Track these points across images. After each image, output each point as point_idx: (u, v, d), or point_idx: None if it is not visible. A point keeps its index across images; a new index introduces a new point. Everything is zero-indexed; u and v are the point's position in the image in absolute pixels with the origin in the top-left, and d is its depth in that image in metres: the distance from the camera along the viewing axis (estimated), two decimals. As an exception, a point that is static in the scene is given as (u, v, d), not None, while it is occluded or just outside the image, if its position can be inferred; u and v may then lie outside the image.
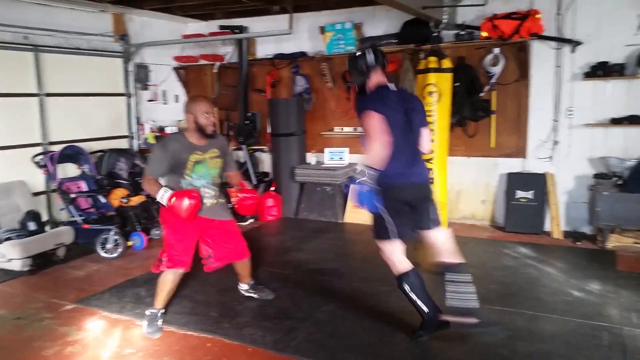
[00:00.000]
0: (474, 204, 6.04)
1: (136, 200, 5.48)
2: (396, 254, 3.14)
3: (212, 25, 7.11)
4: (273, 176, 6.76)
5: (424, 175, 3.21)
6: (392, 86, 3.13)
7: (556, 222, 5.43)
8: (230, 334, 3.36)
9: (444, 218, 5.39)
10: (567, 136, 5.42)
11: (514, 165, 5.75)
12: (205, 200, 3.44)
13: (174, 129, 7.03)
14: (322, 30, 6.41)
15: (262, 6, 6.18)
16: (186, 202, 3.18)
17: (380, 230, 3.13)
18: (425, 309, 3.09)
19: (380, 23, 6.20)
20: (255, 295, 3.91)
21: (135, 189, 5.56)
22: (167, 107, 7.33)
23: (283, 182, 6.54)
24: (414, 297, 3.09)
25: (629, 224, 4.98)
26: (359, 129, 6.48)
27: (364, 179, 2.86)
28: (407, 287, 3.09)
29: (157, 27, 6.94)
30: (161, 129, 6.95)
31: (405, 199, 3.10)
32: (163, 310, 3.53)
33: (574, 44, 5.25)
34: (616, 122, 5.15)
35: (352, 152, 6.56)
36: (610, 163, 5.18)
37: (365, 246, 5.39)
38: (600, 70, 5.12)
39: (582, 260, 4.73)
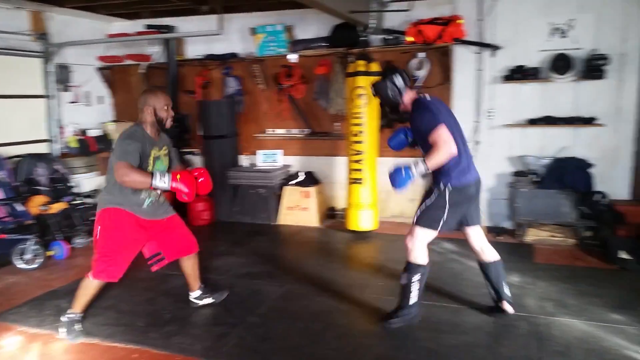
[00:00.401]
0: (403, 203, 6.21)
1: (57, 207, 5.20)
2: (425, 244, 3.41)
3: (139, 25, 6.89)
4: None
5: (478, 172, 3.47)
6: (427, 96, 3.41)
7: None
8: (157, 344, 3.26)
9: (375, 217, 5.53)
10: (488, 136, 5.70)
11: (440, 164, 5.97)
12: (148, 201, 3.33)
13: (99, 132, 6.76)
14: (253, 31, 6.37)
15: (190, 6, 6.06)
16: (196, 181, 3.19)
17: (430, 219, 3.33)
18: (415, 300, 3.37)
19: (311, 26, 6.25)
20: (211, 301, 3.80)
21: (56, 195, 5.28)
22: (91, 109, 7.02)
23: (215, 185, 6.39)
24: (414, 287, 3.36)
25: (545, 218, 5.32)
26: (293, 130, 6.53)
27: (414, 170, 3.14)
28: (417, 277, 3.36)
29: (79, 26, 6.62)
30: (84, 132, 6.64)
31: (471, 195, 3.37)
32: (82, 315, 3.39)
33: (494, 48, 5.54)
34: (533, 122, 5.49)
35: (286, 154, 6.58)
36: (527, 161, 5.50)
37: (298, 247, 5.43)
38: (518, 74, 5.44)
39: (503, 253, 4.87)
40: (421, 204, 3.39)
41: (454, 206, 3.29)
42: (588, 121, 5.27)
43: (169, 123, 3.32)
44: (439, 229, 3.34)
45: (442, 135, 3.09)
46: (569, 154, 5.36)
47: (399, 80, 3.34)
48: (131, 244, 3.33)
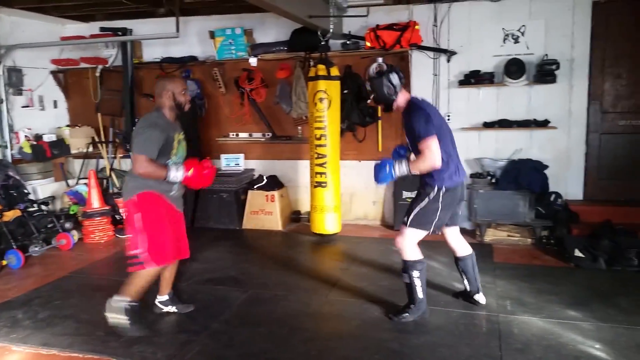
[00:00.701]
0: (366, 205, 6.30)
1: (11, 215, 5.03)
2: (415, 243, 3.50)
3: (94, 27, 6.69)
4: (165, 185, 6.51)
5: (464, 174, 3.60)
6: (420, 98, 3.51)
7: (440, 220, 5.82)
8: (118, 353, 3.18)
9: (339, 220, 5.57)
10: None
11: (400, 167, 6.07)
12: (176, 187, 3.36)
13: (53, 137, 6.54)
14: (212, 35, 6.32)
15: (146, 8, 5.96)
16: (206, 172, 3.26)
17: (424, 221, 3.44)
18: (421, 295, 3.50)
19: (271, 30, 6.25)
20: (174, 310, 3.72)
21: (9, 202, 5.08)
22: (45, 113, 6.79)
23: (176, 191, 6.31)
24: (417, 282, 3.47)
25: (503, 218, 5.48)
26: (256, 134, 6.50)
27: (397, 170, 3.33)
28: (416, 273, 3.46)
29: (31, 28, 6.40)
30: (38, 137, 6.41)
31: (459, 195, 3.51)
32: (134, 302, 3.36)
33: (449, 53, 5.69)
34: (488, 125, 5.65)
35: (249, 158, 6.54)
36: (484, 163, 5.66)
37: (263, 251, 5.40)
38: (473, 79, 5.59)
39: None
40: (413, 206, 3.48)
41: (445, 208, 3.44)
42: (542, 124, 5.47)
43: (187, 107, 3.39)
44: (431, 229, 3.48)
45: (431, 147, 3.24)
46: (525, 156, 5.55)
47: (395, 79, 3.41)
48: (171, 226, 3.35)
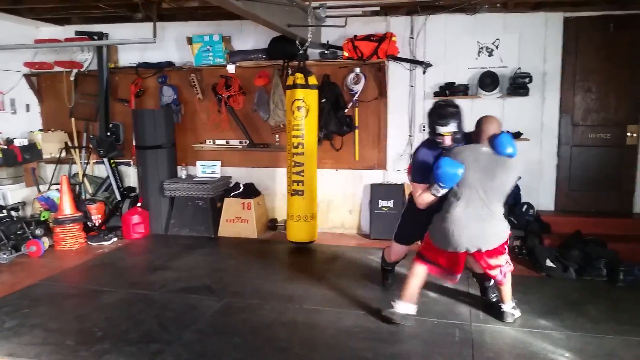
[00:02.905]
0: (343, 214, 6.31)
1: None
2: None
3: (69, 31, 6.59)
4: (139, 191, 6.43)
5: None
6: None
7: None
8: (88, 364, 3.12)
9: (315, 229, 5.57)
10: (422, 150, 5.90)
11: (376, 176, 6.13)
12: None
13: (24, 141, 6.40)
14: (190, 40, 6.28)
15: (124, 13, 5.90)
16: None
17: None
18: None
19: (249, 37, 6.25)
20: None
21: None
22: (17, 117, 6.66)
23: (151, 198, 6.24)
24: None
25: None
26: (233, 141, 6.47)
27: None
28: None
29: (3, 29, 6.27)
30: (9, 141, 6.26)
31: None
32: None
33: (425, 65, 5.77)
34: (463, 136, 5.72)
35: (226, 165, 6.50)
36: (459, 174, 5.72)
37: (238, 260, 5.35)
38: (448, 90, 5.67)
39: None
40: None
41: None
42: (515, 136, 5.55)
43: None
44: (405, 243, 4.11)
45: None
46: (498, 167, 5.63)
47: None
48: None
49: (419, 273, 3.63)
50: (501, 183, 3.37)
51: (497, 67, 5.63)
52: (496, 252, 3.49)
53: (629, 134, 5.58)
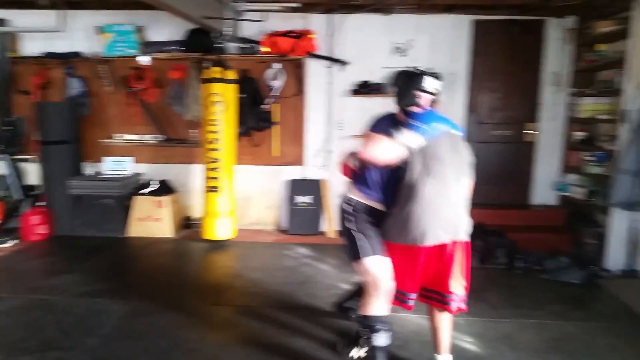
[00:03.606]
0: (261, 210, 6.27)
1: None
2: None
3: (-39, 15, 6.05)
4: (42, 189, 6.01)
5: None
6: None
7: (330, 223, 5.97)
8: (-25, 377, 2.88)
9: (233, 226, 5.48)
10: (338, 146, 5.97)
11: (295, 172, 6.14)
12: None
13: None
14: (100, 30, 5.96)
15: (26, -2, 5.49)
16: None
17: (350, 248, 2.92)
18: None
19: (164, 29, 6.01)
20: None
21: None
22: None
23: (55, 196, 5.85)
24: None
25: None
26: (146, 136, 6.21)
27: None
28: None
29: None
30: None
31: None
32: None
33: (342, 63, 5.85)
34: (378, 133, 5.87)
35: (138, 162, 6.23)
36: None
37: (149, 260, 5.17)
38: (364, 88, 5.80)
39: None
40: None
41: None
42: (425, 133, 5.79)
43: None
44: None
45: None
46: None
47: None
48: None
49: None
50: (464, 160, 2.87)
51: (409, 66, 5.78)
52: (466, 261, 2.92)
53: (526, 131, 5.99)
